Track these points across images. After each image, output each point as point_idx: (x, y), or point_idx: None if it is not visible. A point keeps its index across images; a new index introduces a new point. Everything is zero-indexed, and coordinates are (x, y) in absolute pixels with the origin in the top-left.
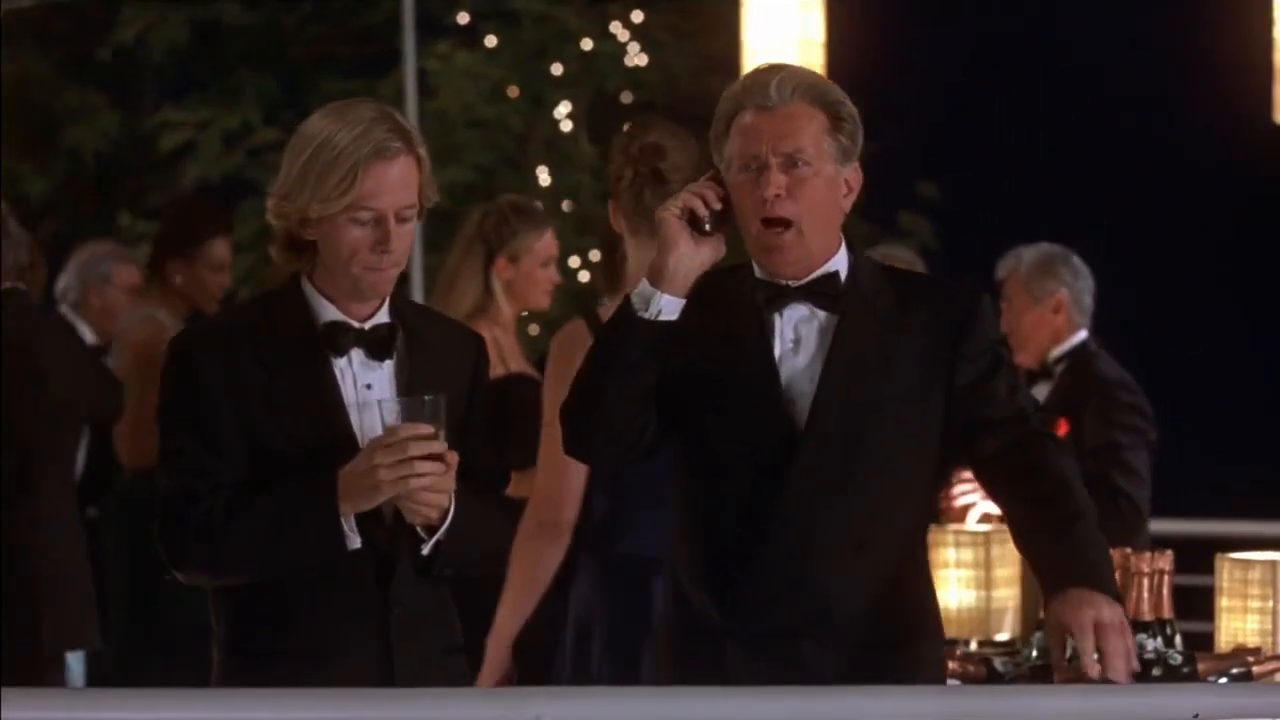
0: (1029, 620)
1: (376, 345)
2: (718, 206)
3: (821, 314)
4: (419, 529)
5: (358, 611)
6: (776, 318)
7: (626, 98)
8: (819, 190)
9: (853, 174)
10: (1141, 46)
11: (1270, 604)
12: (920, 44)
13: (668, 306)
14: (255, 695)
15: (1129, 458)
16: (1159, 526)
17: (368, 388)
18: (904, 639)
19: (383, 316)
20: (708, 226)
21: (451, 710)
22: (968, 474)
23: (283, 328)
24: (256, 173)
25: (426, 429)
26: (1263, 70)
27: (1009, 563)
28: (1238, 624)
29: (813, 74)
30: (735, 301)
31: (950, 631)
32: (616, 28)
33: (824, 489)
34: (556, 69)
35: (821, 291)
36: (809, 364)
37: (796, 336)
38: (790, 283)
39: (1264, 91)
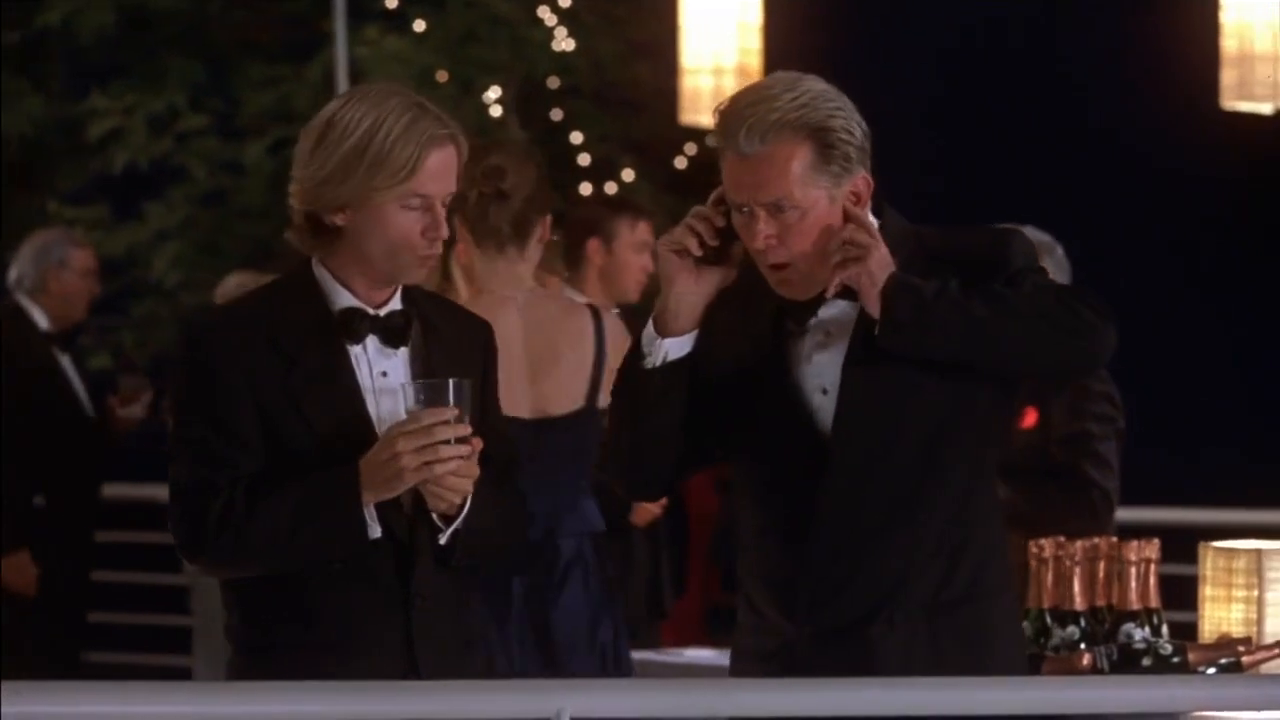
0: None
1: (392, 332)
2: (714, 243)
3: (854, 306)
4: (436, 519)
5: (380, 604)
6: (812, 319)
7: (554, 83)
8: (810, 230)
9: (857, 185)
10: (1085, 31)
11: (1255, 593)
12: (858, 28)
13: (674, 349)
14: (275, 688)
15: (1100, 448)
16: (1129, 515)
17: (383, 375)
18: (970, 602)
19: (396, 303)
20: (702, 254)
21: (474, 704)
22: None
23: (299, 314)
24: (185, 158)
25: (450, 412)
26: (1210, 56)
27: None
28: (1221, 613)
29: (795, 98)
30: (767, 314)
31: None
32: (545, 12)
33: (861, 476)
34: (485, 54)
35: (853, 292)
36: (841, 352)
37: (828, 330)
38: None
39: (1211, 77)
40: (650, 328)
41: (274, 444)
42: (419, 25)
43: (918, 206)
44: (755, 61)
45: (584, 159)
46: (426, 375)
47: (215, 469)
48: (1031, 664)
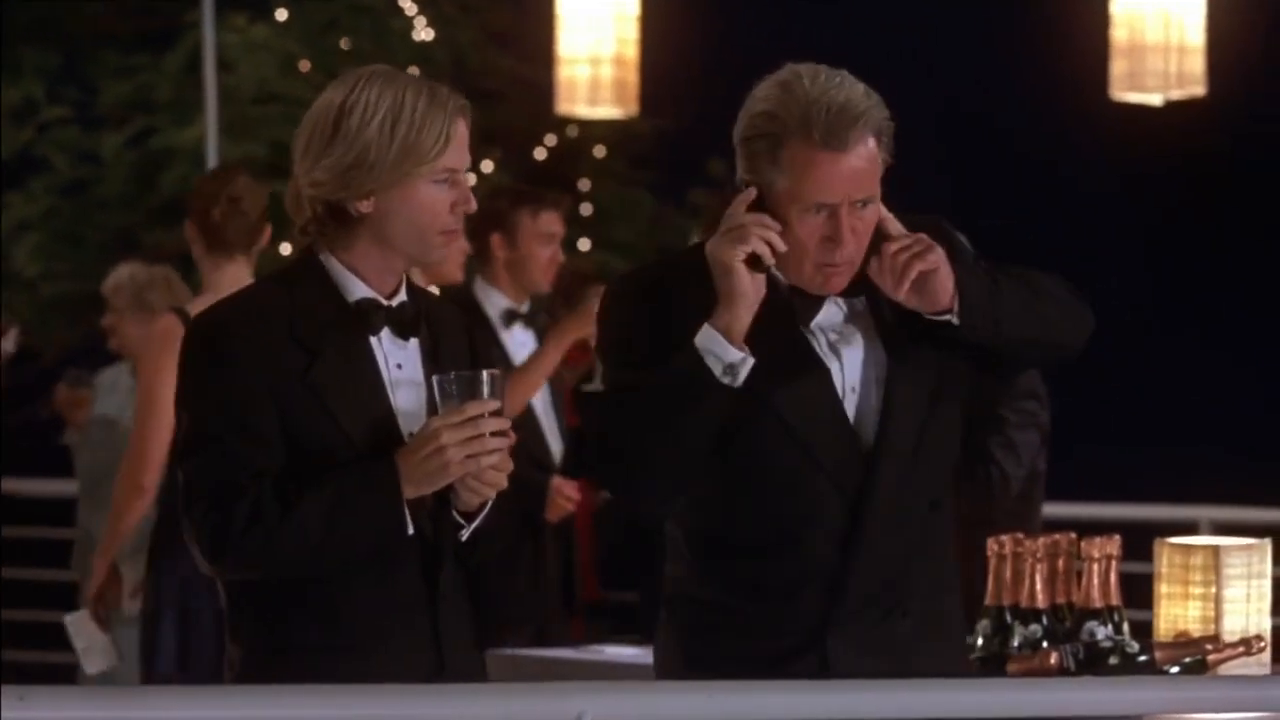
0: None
1: (404, 323)
2: (784, 249)
3: (845, 303)
4: (457, 515)
5: (406, 603)
6: (812, 321)
7: (414, 72)
8: (874, 221)
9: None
10: (973, 18)
11: (1213, 589)
12: (734, 19)
13: (746, 366)
14: (293, 691)
15: (1013, 434)
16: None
17: (399, 367)
18: (950, 592)
19: (403, 294)
20: (769, 267)
21: (493, 706)
22: None
23: (315, 306)
24: (46, 149)
25: (494, 404)
26: (1100, 46)
27: None
28: (1178, 610)
29: (866, 93)
30: (774, 316)
31: None
32: (405, 1)
33: (904, 471)
34: (346, 43)
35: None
36: (859, 352)
37: (839, 334)
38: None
39: (1101, 68)
40: (722, 339)
41: (295, 440)
42: (281, 14)
43: None
44: (632, 52)
45: None
46: (437, 368)
47: (236, 468)
48: (994, 664)
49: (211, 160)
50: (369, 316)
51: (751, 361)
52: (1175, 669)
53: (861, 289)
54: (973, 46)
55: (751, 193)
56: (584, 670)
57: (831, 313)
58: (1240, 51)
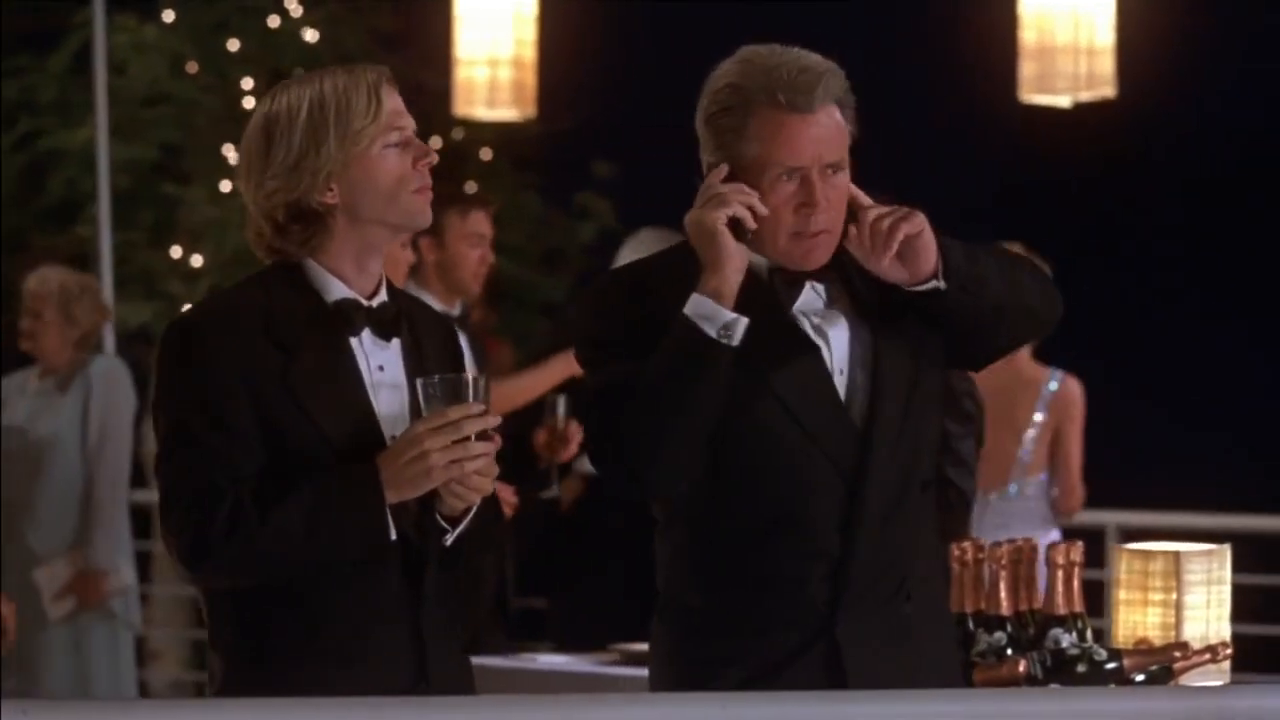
0: None
1: (386, 324)
2: (765, 212)
3: (820, 288)
4: (441, 520)
5: (390, 609)
6: (793, 305)
7: (299, 74)
8: (846, 190)
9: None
10: (874, 24)
11: (1173, 596)
12: (632, 20)
13: (740, 325)
14: (278, 705)
15: (958, 446)
16: None
17: (380, 369)
18: (939, 575)
19: (384, 295)
20: (750, 235)
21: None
22: None
23: (294, 306)
24: None
25: (478, 407)
26: (1008, 48)
27: None
28: (1137, 617)
29: (820, 60)
30: (754, 300)
31: None
32: (292, 3)
33: (895, 452)
34: (234, 45)
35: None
36: (842, 333)
37: (822, 317)
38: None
39: (1009, 69)
40: (712, 304)
41: (275, 442)
42: (168, 15)
43: (664, 191)
44: (530, 53)
45: None
46: (419, 370)
47: (215, 471)
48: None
49: (102, 162)
50: (349, 317)
51: (745, 321)
52: (1140, 676)
53: (835, 270)
54: (878, 47)
55: (724, 169)
56: (512, 678)
57: (810, 298)
58: (1150, 53)
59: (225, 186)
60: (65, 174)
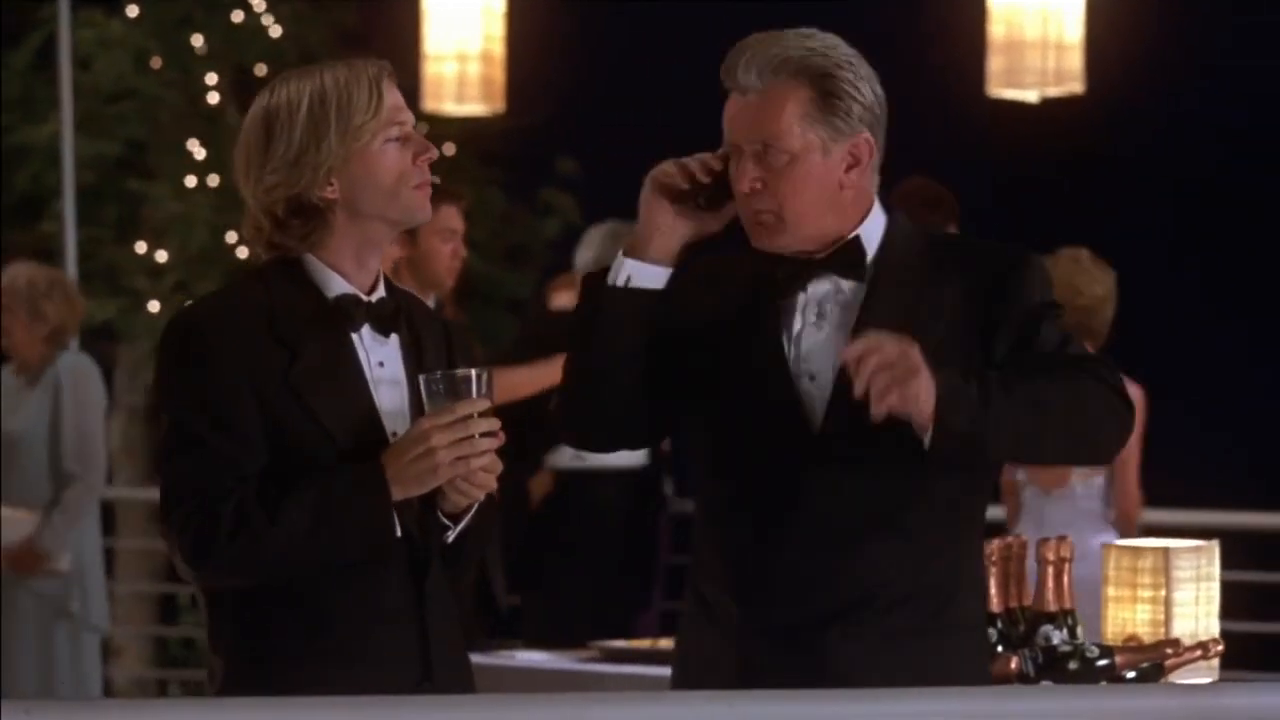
0: None
1: (384, 319)
2: (704, 180)
3: (847, 286)
4: (443, 517)
5: (393, 607)
6: (801, 294)
7: (261, 70)
8: (798, 179)
9: (858, 145)
10: (842, 18)
11: (1162, 592)
12: (602, 14)
13: (638, 274)
14: (284, 704)
15: None
16: None
17: (380, 365)
18: (938, 629)
19: (381, 290)
20: (688, 190)
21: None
22: None
23: (295, 302)
24: None
25: (484, 403)
26: (977, 42)
27: None
28: (1126, 614)
29: (804, 41)
30: (752, 282)
31: None
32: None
33: (848, 470)
34: (198, 40)
35: (845, 262)
36: (831, 339)
37: (820, 312)
38: (817, 254)
39: (978, 64)
40: (621, 256)
41: (277, 440)
42: (132, 10)
43: (625, 188)
44: (499, 49)
45: None
46: (418, 366)
47: (219, 470)
48: None
49: (67, 158)
50: (350, 312)
51: (631, 265)
52: (1132, 673)
53: (862, 274)
54: (846, 41)
55: (722, 152)
56: (498, 676)
57: (824, 287)
58: (1118, 48)
59: (190, 182)
60: (30, 170)
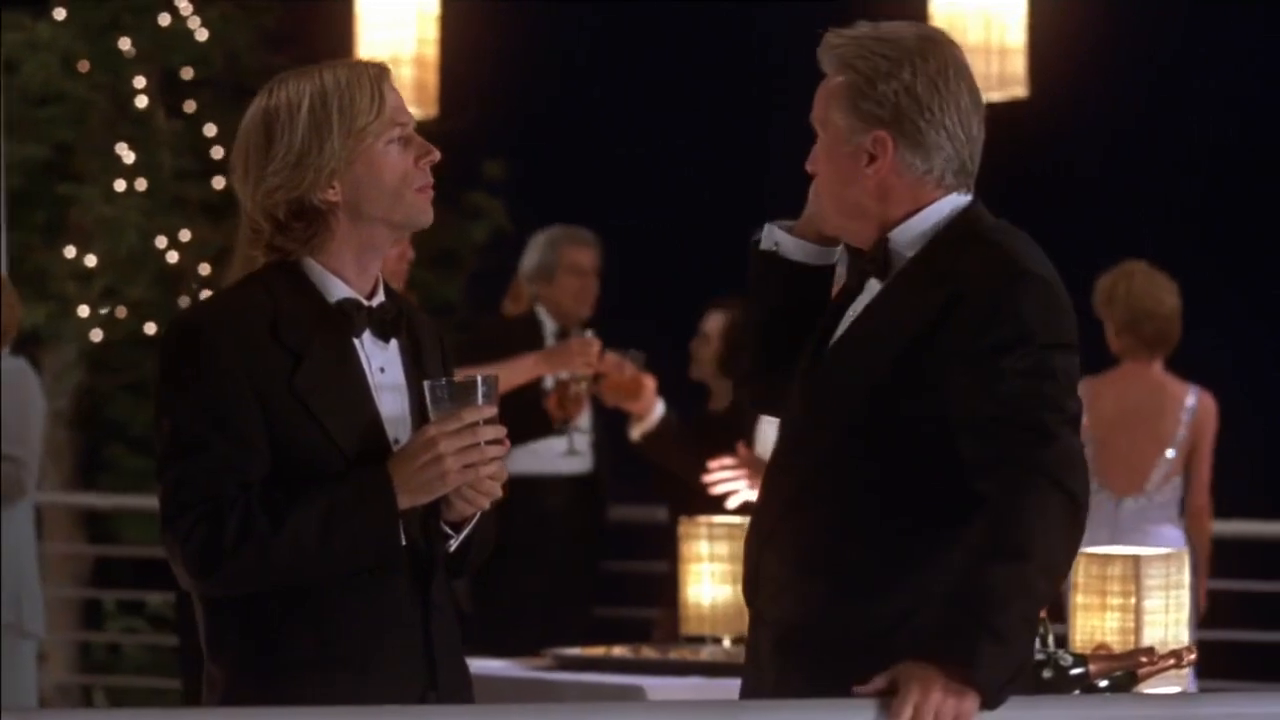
0: None
1: (385, 324)
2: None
3: (874, 287)
4: (445, 525)
5: (398, 615)
6: (860, 297)
7: (188, 73)
8: (823, 158)
9: (875, 140)
10: (783, 22)
11: (1132, 600)
12: (535, 18)
13: (784, 243)
14: (291, 713)
15: None
16: None
17: (381, 370)
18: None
19: (381, 295)
20: None
21: None
22: (729, 459)
23: (297, 306)
24: None
25: (489, 410)
26: None
27: None
28: (1095, 622)
29: (865, 32)
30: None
31: (703, 628)
32: (182, 1)
33: (794, 468)
34: (125, 43)
35: (873, 261)
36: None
37: (855, 311)
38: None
39: None
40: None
41: (280, 445)
42: (59, 13)
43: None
44: (432, 51)
45: (217, 152)
46: (418, 371)
47: (223, 477)
48: None
49: None
50: (352, 317)
51: (779, 232)
52: (1104, 682)
53: (883, 270)
54: (788, 44)
55: None
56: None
57: (870, 288)
58: (1062, 52)
59: (119, 186)
60: None
